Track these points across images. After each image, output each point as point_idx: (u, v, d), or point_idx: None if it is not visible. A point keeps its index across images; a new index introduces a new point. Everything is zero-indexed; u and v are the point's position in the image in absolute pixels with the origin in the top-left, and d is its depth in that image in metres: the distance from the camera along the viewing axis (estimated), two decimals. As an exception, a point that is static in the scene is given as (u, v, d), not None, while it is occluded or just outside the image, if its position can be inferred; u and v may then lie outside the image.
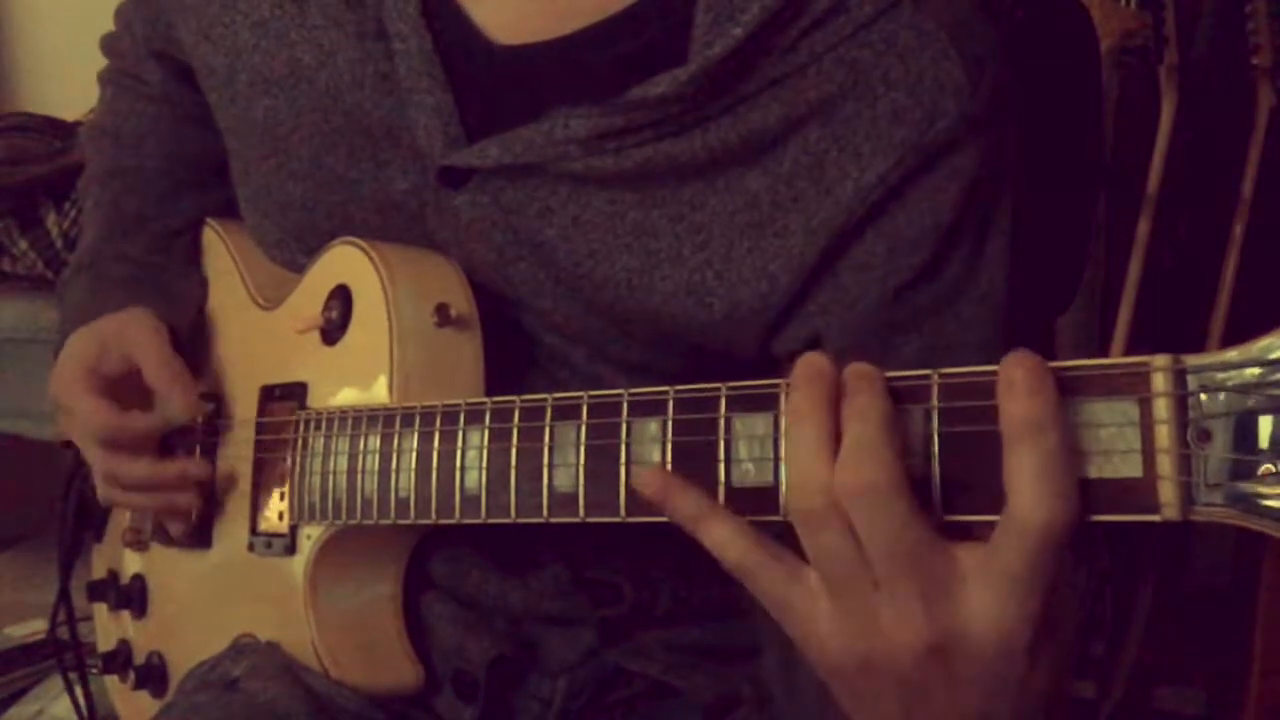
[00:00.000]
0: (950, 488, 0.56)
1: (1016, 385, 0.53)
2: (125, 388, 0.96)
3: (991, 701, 0.57)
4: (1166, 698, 1.79)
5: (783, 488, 0.61)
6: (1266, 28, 1.74)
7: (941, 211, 0.80)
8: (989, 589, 0.55)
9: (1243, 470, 0.49)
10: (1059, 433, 0.53)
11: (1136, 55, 1.78)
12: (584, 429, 0.70)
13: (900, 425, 0.57)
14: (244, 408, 0.96)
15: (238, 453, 0.96)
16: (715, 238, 0.82)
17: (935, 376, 0.57)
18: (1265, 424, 0.49)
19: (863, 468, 0.55)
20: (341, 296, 0.89)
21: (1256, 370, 0.49)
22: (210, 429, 0.98)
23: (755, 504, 0.62)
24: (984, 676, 0.56)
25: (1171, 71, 1.75)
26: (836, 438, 0.57)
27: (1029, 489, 0.53)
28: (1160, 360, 0.51)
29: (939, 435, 0.56)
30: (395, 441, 0.81)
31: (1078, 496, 0.53)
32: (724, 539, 0.60)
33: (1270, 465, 0.48)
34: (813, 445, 0.57)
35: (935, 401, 0.57)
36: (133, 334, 0.97)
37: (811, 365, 0.59)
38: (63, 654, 1.16)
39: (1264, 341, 0.49)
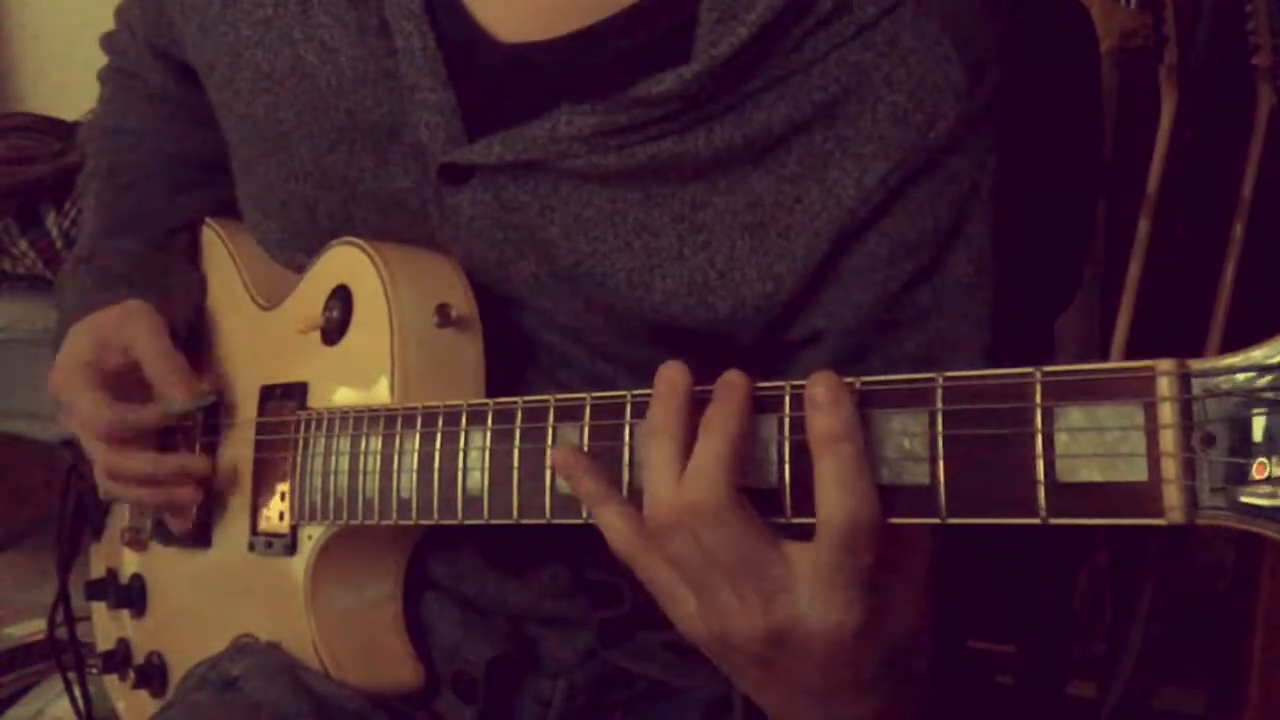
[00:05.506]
0: (956, 490, 0.56)
1: (819, 400, 0.59)
2: (125, 381, 0.96)
3: (831, 672, 0.64)
4: (1166, 698, 1.79)
5: (787, 489, 0.61)
6: (1266, 28, 1.74)
7: (941, 213, 0.81)
8: (814, 584, 0.61)
9: (1244, 474, 0.49)
10: (855, 444, 0.58)
11: (1136, 55, 1.78)
12: (586, 430, 0.70)
13: (756, 437, 0.63)
14: (244, 408, 0.96)
15: (238, 452, 0.96)
16: (717, 237, 0.82)
17: (939, 379, 0.57)
18: (1262, 426, 0.49)
19: (698, 487, 0.62)
20: (342, 296, 0.89)
21: (1259, 375, 0.49)
22: (210, 428, 0.98)
23: (758, 506, 0.63)
24: (818, 654, 0.63)
25: (1171, 71, 1.75)
26: (690, 449, 0.63)
27: (828, 493, 0.59)
28: (1165, 364, 0.51)
29: (943, 438, 0.57)
30: (397, 442, 0.81)
31: (875, 501, 0.59)
32: (611, 523, 0.67)
33: (1265, 463, 0.49)
34: (665, 460, 0.63)
35: (939, 404, 0.57)
36: (132, 327, 0.96)
37: (668, 380, 0.65)
38: (61, 654, 1.16)
39: (1267, 347, 0.49)
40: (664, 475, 0.64)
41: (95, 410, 0.95)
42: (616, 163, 0.81)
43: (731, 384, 0.63)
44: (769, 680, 0.67)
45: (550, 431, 0.71)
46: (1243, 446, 0.49)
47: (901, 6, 0.79)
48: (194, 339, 1.03)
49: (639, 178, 0.82)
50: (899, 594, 0.63)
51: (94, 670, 1.13)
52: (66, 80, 2.41)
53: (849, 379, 0.60)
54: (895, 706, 0.68)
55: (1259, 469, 0.49)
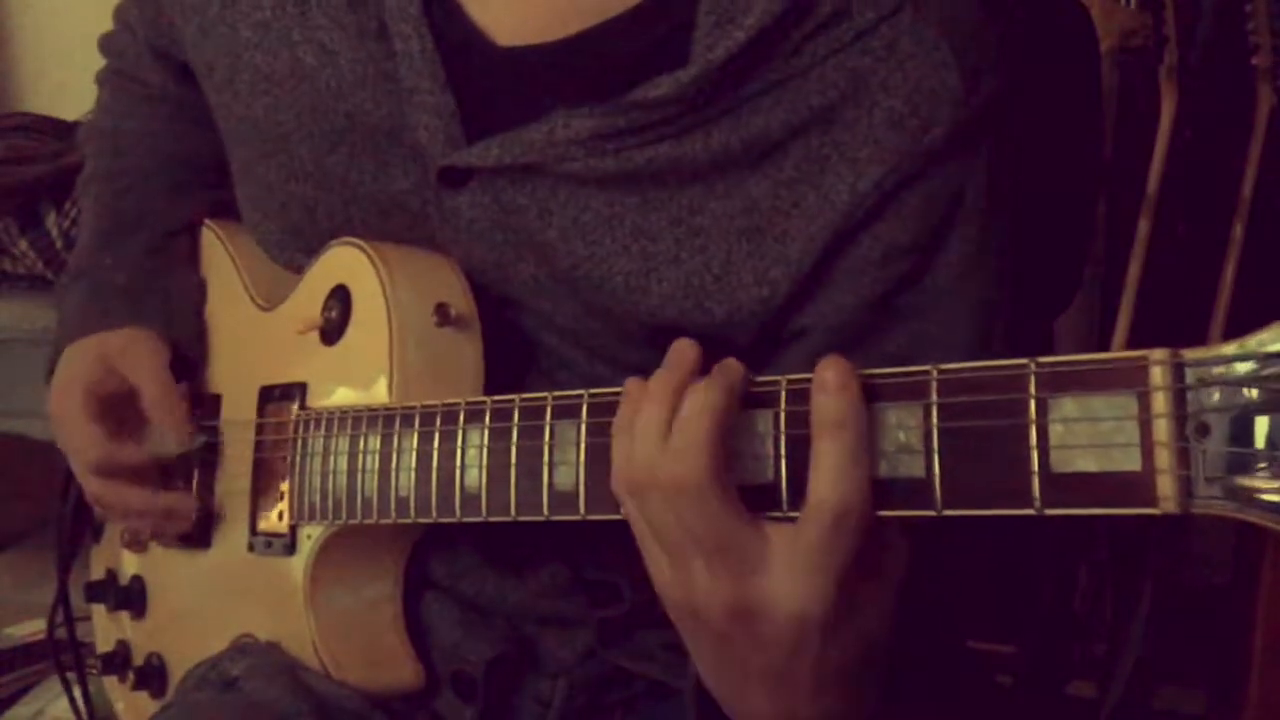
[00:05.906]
0: (951, 482, 0.57)
1: (828, 384, 0.59)
2: (121, 408, 0.97)
3: (790, 662, 0.64)
4: (1166, 697, 1.79)
5: (783, 484, 0.62)
6: (1266, 28, 1.75)
7: (933, 218, 0.81)
8: (789, 567, 0.61)
9: (1240, 463, 0.49)
10: (857, 430, 0.59)
11: (1136, 55, 1.78)
12: (584, 427, 0.70)
13: (751, 432, 0.63)
14: (243, 408, 0.96)
15: (237, 453, 0.96)
16: (714, 242, 0.82)
17: (934, 372, 0.57)
18: (1262, 418, 0.49)
19: (678, 463, 0.62)
20: (341, 296, 0.89)
21: (1253, 364, 0.49)
22: (209, 431, 0.98)
23: (754, 501, 0.63)
24: (782, 640, 0.63)
25: (1171, 71, 1.75)
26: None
27: (826, 475, 0.59)
28: (1158, 354, 0.51)
29: (938, 431, 0.57)
30: (395, 441, 0.81)
31: (868, 490, 0.59)
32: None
33: (1266, 459, 0.49)
34: (654, 425, 0.64)
35: (934, 397, 0.57)
36: (134, 357, 0.97)
37: (680, 350, 0.66)
38: (61, 655, 1.16)
39: (1260, 335, 0.49)
40: (650, 439, 0.63)
41: (89, 444, 0.96)
42: (614, 166, 0.81)
43: (726, 368, 0.64)
44: (726, 660, 0.67)
45: (548, 429, 0.71)
46: (1237, 435, 0.49)
47: (900, 12, 0.79)
48: (195, 342, 1.03)
49: (636, 181, 0.82)
50: (870, 599, 0.63)
51: (94, 671, 1.13)
52: (66, 80, 2.41)
53: None
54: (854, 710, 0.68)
55: (1253, 457, 0.49)
